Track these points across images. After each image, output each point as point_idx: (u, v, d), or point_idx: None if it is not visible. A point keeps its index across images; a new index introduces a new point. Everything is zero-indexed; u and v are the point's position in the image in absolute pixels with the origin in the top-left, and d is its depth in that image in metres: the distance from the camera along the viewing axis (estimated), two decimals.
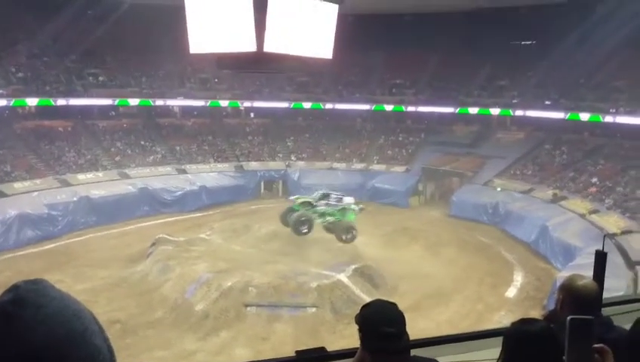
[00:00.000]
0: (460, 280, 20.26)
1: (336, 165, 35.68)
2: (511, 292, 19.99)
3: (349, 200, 22.19)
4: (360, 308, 2.20)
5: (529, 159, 32.59)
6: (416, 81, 39.10)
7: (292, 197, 22.42)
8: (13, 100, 29.20)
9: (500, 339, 1.99)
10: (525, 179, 30.60)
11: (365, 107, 38.65)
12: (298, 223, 20.90)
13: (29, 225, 23.67)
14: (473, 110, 35.20)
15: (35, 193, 25.79)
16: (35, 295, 0.97)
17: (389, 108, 37.81)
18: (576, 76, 32.03)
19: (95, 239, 24.10)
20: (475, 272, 21.16)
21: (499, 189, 29.84)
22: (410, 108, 37.63)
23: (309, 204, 20.93)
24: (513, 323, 2.01)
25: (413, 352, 2.23)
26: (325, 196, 21.49)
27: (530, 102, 33.32)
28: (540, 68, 32.83)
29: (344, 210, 21.60)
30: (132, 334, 15.43)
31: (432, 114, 37.74)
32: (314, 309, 17.01)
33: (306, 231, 20.91)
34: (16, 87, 29.66)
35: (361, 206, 23.24)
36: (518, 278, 21.14)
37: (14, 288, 0.99)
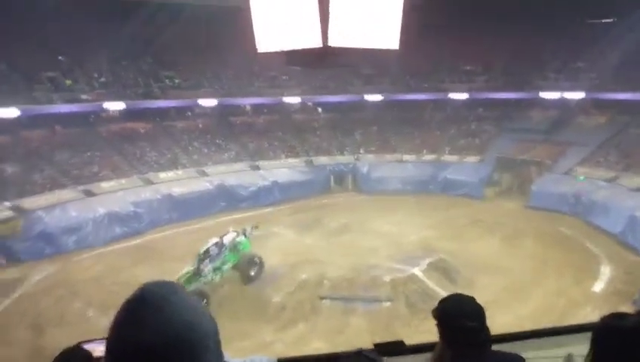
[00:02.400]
0: (540, 274, 19.41)
1: (406, 157, 35.19)
2: (597, 286, 18.84)
3: (230, 236, 19.07)
4: (438, 302, 2.21)
5: (613, 145, 30.48)
6: (488, 67, 37.71)
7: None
8: (98, 104, 31.29)
9: (587, 335, 1.90)
10: (609, 166, 28.67)
11: (434, 96, 37.81)
12: None
13: (116, 222, 25.34)
14: (549, 94, 33.41)
15: (121, 192, 27.49)
16: (156, 297, 1.06)
17: (459, 96, 36.74)
18: None
19: (177, 234, 25.33)
20: (557, 265, 20.17)
21: (581, 178, 28.22)
22: (482, 95, 36.37)
23: (195, 274, 17.76)
24: (603, 318, 1.90)
25: (495, 347, 2.21)
26: (206, 253, 18.14)
27: (612, 83, 31.12)
28: (621, 47, 30.48)
29: (235, 246, 18.86)
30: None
31: (505, 100, 36.29)
32: (388, 303, 16.99)
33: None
34: (100, 92, 31.73)
35: (253, 225, 20.33)
36: (605, 271, 19.89)
37: (142, 287, 1.10)
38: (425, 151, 35.70)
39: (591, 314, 16.00)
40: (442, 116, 38.89)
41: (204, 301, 16.78)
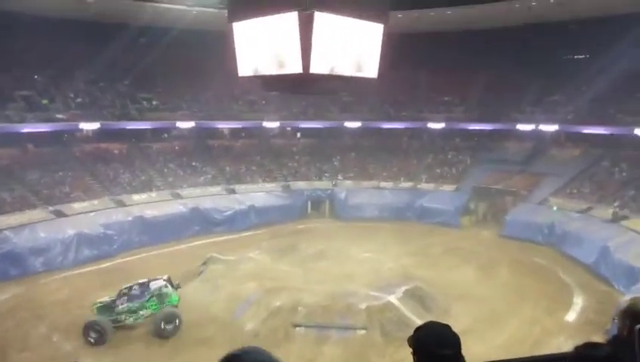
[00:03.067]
0: (514, 303, 19.48)
1: (383, 184, 35.43)
2: (570, 316, 18.97)
3: (158, 283, 17.63)
4: (413, 330, 2.14)
5: (586, 177, 31.22)
6: (466, 99, 38.54)
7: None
8: (72, 124, 30.82)
9: None
10: (583, 197, 29.30)
11: (412, 125, 38.34)
12: (86, 329, 16.22)
13: (86, 244, 24.66)
14: (525, 127, 34.20)
15: (92, 213, 26.91)
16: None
17: (436, 125, 37.32)
18: (632, 90, 30.60)
19: (148, 258, 24.78)
20: (531, 295, 20.28)
21: (555, 208, 28.72)
22: (459, 126, 37.03)
23: (109, 307, 16.74)
24: (577, 347, 1.93)
25: None
26: (128, 290, 17.17)
27: (586, 117, 32.06)
28: (595, 82, 31.55)
29: (160, 295, 17.33)
30: (184, 352, 15.66)
31: (482, 131, 37.03)
32: (363, 331, 16.74)
33: (93, 339, 16.09)
34: (75, 112, 31.27)
35: (177, 283, 18.46)
36: (578, 301, 20.08)
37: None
38: (402, 178, 36.01)
39: (564, 344, 16.03)
40: (419, 145, 39.39)
41: (97, 336, 16.02)
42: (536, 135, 34.67)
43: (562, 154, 34.55)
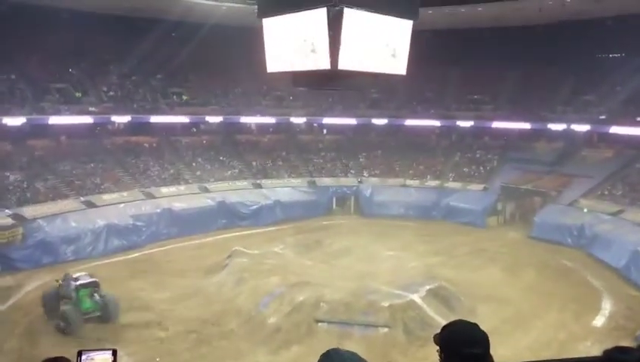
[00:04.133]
0: (541, 306, 19.09)
1: (409, 182, 35.13)
2: (598, 321, 18.48)
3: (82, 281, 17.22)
4: (441, 328, 2.13)
5: (618, 178, 30.33)
6: (496, 97, 37.84)
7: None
8: (105, 117, 31.58)
9: None
10: (614, 199, 28.50)
11: (440, 123, 37.89)
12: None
13: (115, 234, 25.22)
14: (556, 126, 33.40)
15: (122, 205, 27.47)
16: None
17: (465, 124, 36.80)
18: None
19: (175, 249, 25.20)
20: (558, 298, 19.83)
21: (585, 210, 28.00)
22: (488, 124, 36.42)
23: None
24: (606, 351, 1.88)
25: None
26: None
27: (619, 118, 31.10)
28: (630, 82, 30.49)
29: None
30: (206, 344, 15.88)
31: (511, 130, 36.33)
32: (386, 329, 16.67)
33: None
34: (107, 105, 31.98)
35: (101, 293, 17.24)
36: (607, 306, 19.54)
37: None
38: (429, 177, 35.64)
39: (591, 349, 15.67)
40: (447, 143, 38.92)
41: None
42: (568, 135, 33.80)
43: (594, 155, 33.62)
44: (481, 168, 35.89)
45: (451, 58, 36.02)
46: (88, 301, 16.72)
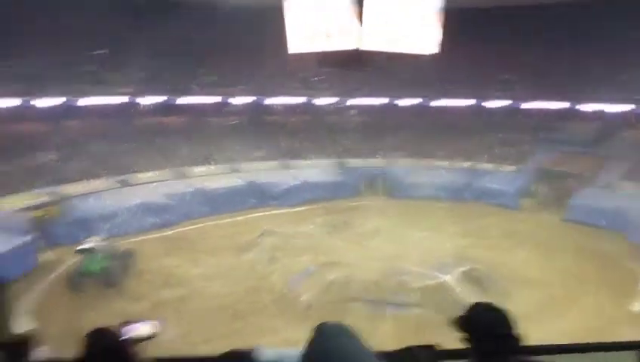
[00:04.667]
0: (576, 290, 18.73)
1: (439, 163, 34.71)
2: (636, 306, 18.02)
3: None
4: (462, 314, 2.11)
5: None
6: (529, 76, 36.82)
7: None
8: (135, 98, 31.98)
9: (632, 354, 1.74)
10: None
11: (471, 103, 37.17)
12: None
13: (149, 212, 25.74)
14: (592, 106, 32.37)
15: (155, 183, 28.07)
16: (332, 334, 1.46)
17: (498, 104, 36.03)
18: None
19: (207, 228, 25.60)
20: (594, 282, 19.43)
21: (623, 193, 27.22)
22: (522, 104, 35.58)
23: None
24: None
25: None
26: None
27: None
28: None
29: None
30: (241, 319, 16.15)
31: (545, 110, 35.44)
32: (418, 310, 16.64)
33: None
34: (138, 86, 32.36)
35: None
36: None
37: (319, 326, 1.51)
38: (460, 158, 35.12)
39: (629, 334, 15.34)
40: (479, 123, 38.19)
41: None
42: (603, 115, 32.76)
43: (632, 135, 32.52)
44: (514, 149, 35.17)
45: (483, 36, 35.06)
46: (90, 264, 18.66)
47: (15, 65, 28.47)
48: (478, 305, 2.10)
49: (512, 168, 32.97)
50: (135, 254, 20.47)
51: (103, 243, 19.66)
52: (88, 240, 19.77)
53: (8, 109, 29.06)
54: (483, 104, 36.63)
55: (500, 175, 32.31)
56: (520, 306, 16.27)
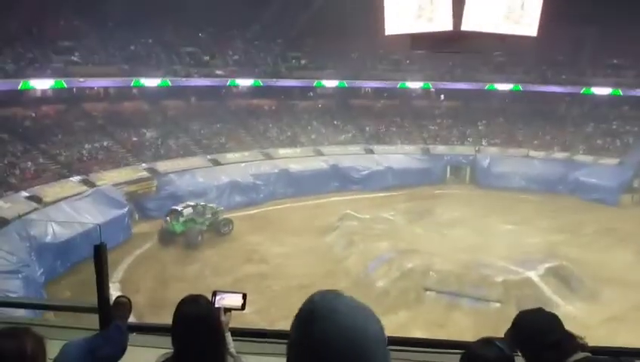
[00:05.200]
0: None
1: (533, 153, 32.92)
2: None
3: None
4: (509, 328, 2.07)
5: None
6: (638, 61, 33.60)
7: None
8: (229, 80, 33.35)
9: None
10: None
11: (572, 90, 34.67)
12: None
13: (237, 191, 27.08)
14: None
15: (244, 164, 29.27)
16: (325, 308, 1.09)
17: (602, 91, 33.32)
18: None
19: (290, 209, 26.34)
20: None
21: None
22: (630, 92, 32.61)
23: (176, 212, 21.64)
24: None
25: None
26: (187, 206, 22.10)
27: None
28: None
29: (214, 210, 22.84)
30: None
31: None
32: (498, 305, 16.13)
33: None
34: (232, 69, 33.70)
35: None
36: None
37: (311, 299, 1.14)
38: (556, 148, 33.09)
39: None
40: (579, 112, 35.63)
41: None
42: None
43: None
44: (618, 141, 32.52)
45: (588, 17, 32.33)
46: (174, 225, 21.24)
47: (121, 47, 30.81)
48: (522, 316, 2.10)
49: (613, 161, 30.47)
50: (232, 223, 22.68)
51: (195, 208, 22.10)
52: (182, 204, 22.16)
53: (115, 88, 31.69)
54: (584, 91, 33.98)
55: (599, 168, 30.00)
56: (611, 308, 15.40)
